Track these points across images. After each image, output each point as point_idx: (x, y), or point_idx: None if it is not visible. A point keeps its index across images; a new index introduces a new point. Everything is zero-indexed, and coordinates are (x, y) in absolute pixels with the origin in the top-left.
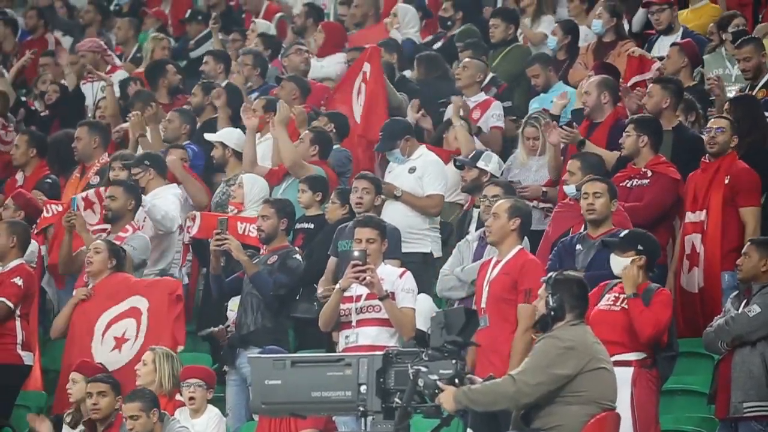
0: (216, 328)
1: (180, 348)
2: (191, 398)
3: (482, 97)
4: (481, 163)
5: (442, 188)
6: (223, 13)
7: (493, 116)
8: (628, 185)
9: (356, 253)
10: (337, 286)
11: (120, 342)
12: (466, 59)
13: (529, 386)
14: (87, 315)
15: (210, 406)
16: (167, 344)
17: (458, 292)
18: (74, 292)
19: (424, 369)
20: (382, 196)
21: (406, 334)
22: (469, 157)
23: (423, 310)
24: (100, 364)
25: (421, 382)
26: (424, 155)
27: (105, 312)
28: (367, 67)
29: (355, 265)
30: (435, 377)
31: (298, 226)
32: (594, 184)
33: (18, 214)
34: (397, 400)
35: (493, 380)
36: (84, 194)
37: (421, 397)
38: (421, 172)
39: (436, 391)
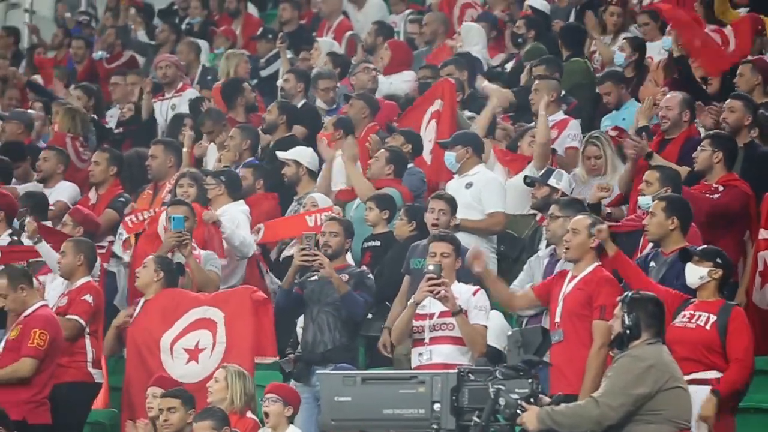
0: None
1: (272, 359)
2: (266, 414)
3: (560, 116)
4: (552, 181)
5: (501, 205)
6: (293, 31)
7: (569, 136)
8: None
9: (431, 267)
10: (411, 299)
11: (195, 353)
12: (536, 82)
13: (612, 409)
14: (147, 332)
15: (292, 426)
16: (252, 353)
17: (527, 309)
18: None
19: (503, 388)
20: (458, 218)
21: (478, 351)
22: (540, 174)
23: (494, 326)
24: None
25: (501, 401)
26: (481, 173)
27: (168, 329)
28: (439, 104)
29: (429, 279)
30: (516, 396)
31: (365, 244)
32: (656, 203)
33: (77, 231)
34: (475, 418)
35: (576, 402)
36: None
37: (493, 415)
38: (478, 188)
39: (518, 410)
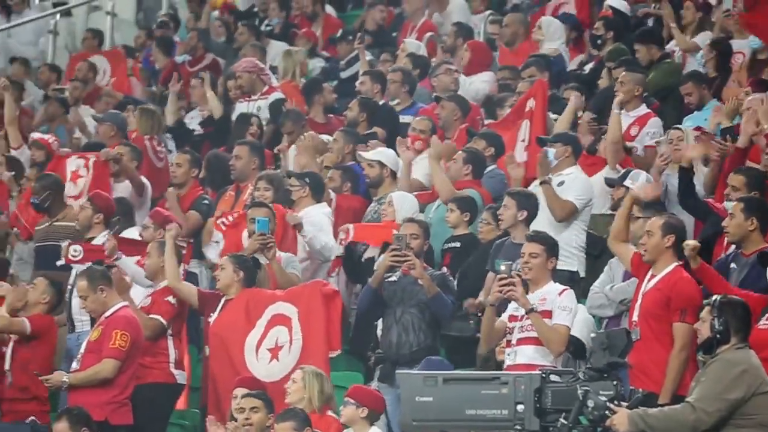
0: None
1: (336, 353)
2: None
3: (642, 110)
4: (627, 182)
5: (577, 199)
6: (374, 32)
7: (649, 134)
8: None
9: (502, 267)
10: (487, 301)
11: (275, 351)
12: (623, 73)
13: (708, 414)
14: (231, 331)
15: (374, 427)
16: (326, 347)
17: (606, 310)
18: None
19: (590, 389)
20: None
21: (554, 350)
22: (619, 175)
23: (578, 319)
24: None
25: (590, 403)
26: (574, 173)
27: (252, 330)
28: (531, 102)
29: (500, 279)
30: (604, 398)
31: (445, 245)
32: (735, 204)
33: (159, 233)
34: (561, 420)
35: (670, 407)
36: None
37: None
38: (567, 186)
39: (607, 412)
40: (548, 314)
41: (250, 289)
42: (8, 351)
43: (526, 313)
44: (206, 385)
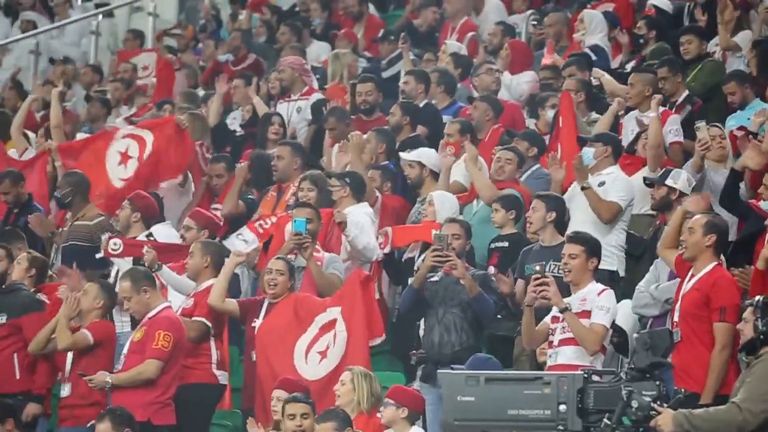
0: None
1: (380, 339)
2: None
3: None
4: (669, 181)
5: (620, 199)
6: (416, 32)
7: (671, 131)
8: None
9: (536, 267)
10: (524, 303)
11: (324, 352)
12: (633, 74)
13: (754, 415)
14: (276, 335)
15: (415, 427)
16: (367, 336)
17: (651, 309)
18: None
19: (634, 390)
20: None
21: (589, 349)
22: (659, 174)
23: (625, 313)
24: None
25: (634, 403)
26: (615, 173)
27: (303, 335)
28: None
29: (534, 279)
30: (648, 398)
31: (492, 245)
32: None
33: (202, 234)
34: (605, 420)
35: (716, 407)
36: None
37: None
38: (609, 186)
39: (651, 412)
40: (587, 315)
41: (298, 295)
42: (68, 357)
43: (560, 312)
44: (251, 388)
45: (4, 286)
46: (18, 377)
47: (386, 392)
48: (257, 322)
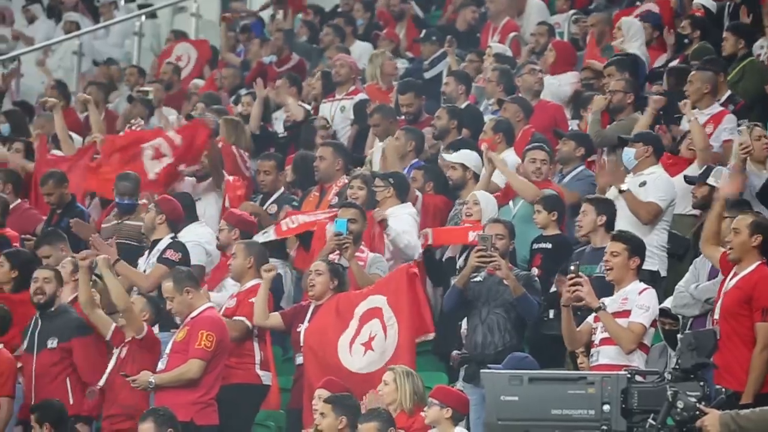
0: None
1: (430, 335)
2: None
3: (715, 109)
4: (711, 180)
5: (660, 200)
6: (456, 33)
7: (726, 129)
8: None
9: (571, 267)
10: (562, 302)
11: (368, 343)
12: (691, 73)
13: None
14: (322, 335)
15: (459, 428)
16: (413, 332)
17: (691, 309)
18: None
19: (679, 390)
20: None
21: (624, 347)
22: (699, 173)
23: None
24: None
25: (680, 403)
26: (656, 173)
27: (345, 330)
28: None
29: (569, 278)
30: (694, 399)
31: (535, 245)
32: None
33: (233, 233)
34: (651, 421)
35: (761, 408)
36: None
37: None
38: (650, 186)
39: (697, 413)
40: (627, 314)
41: (339, 294)
42: (111, 364)
43: (595, 311)
44: (299, 390)
45: (53, 309)
46: (72, 402)
47: (430, 392)
48: (302, 327)
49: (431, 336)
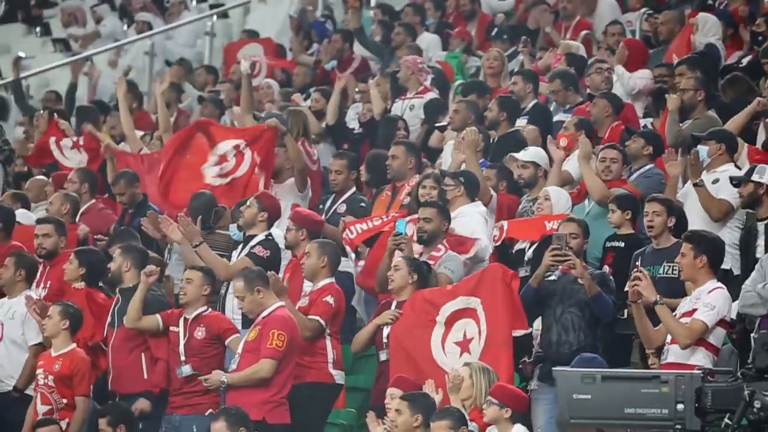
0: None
1: (524, 331)
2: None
3: None
4: (755, 176)
5: (733, 198)
6: (530, 32)
7: None
8: None
9: (637, 263)
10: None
11: (465, 345)
12: None
13: None
14: (410, 333)
15: (518, 426)
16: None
17: (759, 309)
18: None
19: (755, 390)
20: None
21: (680, 342)
22: (744, 171)
23: None
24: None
25: (757, 403)
26: (730, 171)
27: (435, 327)
28: None
29: (633, 278)
30: None
31: (608, 244)
32: None
33: (301, 234)
34: (726, 420)
35: None
36: (408, 218)
37: None
38: (722, 184)
39: None
40: (692, 312)
41: (422, 291)
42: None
43: (652, 305)
44: (380, 387)
45: (131, 286)
46: (146, 377)
47: (489, 390)
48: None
49: (524, 333)
